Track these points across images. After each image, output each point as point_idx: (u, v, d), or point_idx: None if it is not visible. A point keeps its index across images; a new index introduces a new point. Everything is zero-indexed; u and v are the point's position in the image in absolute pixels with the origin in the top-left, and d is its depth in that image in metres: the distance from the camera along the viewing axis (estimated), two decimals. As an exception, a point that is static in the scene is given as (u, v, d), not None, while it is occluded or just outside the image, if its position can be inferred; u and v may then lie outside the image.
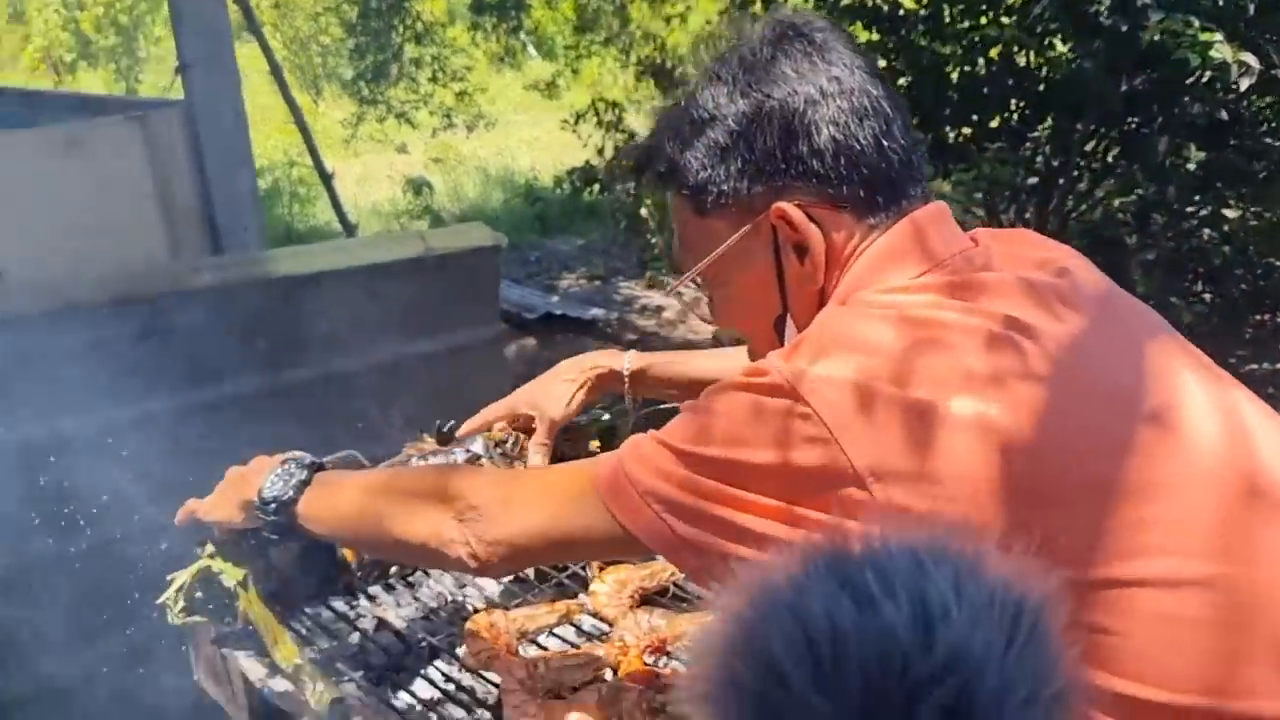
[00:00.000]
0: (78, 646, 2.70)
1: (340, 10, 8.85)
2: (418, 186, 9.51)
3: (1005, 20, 5.32)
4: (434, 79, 8.94)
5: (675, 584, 1.61)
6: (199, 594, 1.38)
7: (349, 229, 7.23)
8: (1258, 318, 6.45)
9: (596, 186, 7.72)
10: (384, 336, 3.86)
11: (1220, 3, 4.72)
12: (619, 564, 1.65)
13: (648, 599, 1.59)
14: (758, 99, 1.18)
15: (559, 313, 7.13)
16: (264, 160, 10.02)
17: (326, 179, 6.98)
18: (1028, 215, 6.23)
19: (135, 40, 23.13)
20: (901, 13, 5.58)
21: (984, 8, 5.39)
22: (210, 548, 1.43)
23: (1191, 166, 5.42)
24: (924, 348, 1.06)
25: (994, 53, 5.44)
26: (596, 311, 7.34)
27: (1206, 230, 5.45)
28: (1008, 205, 6.25)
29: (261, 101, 12.01)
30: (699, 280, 1.31)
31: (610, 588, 1.58)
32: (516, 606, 1.59)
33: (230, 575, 1.39)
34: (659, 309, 7.78)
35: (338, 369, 3.72)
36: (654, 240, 8.10)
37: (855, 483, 1.02)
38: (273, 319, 3.54)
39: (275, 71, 6.81)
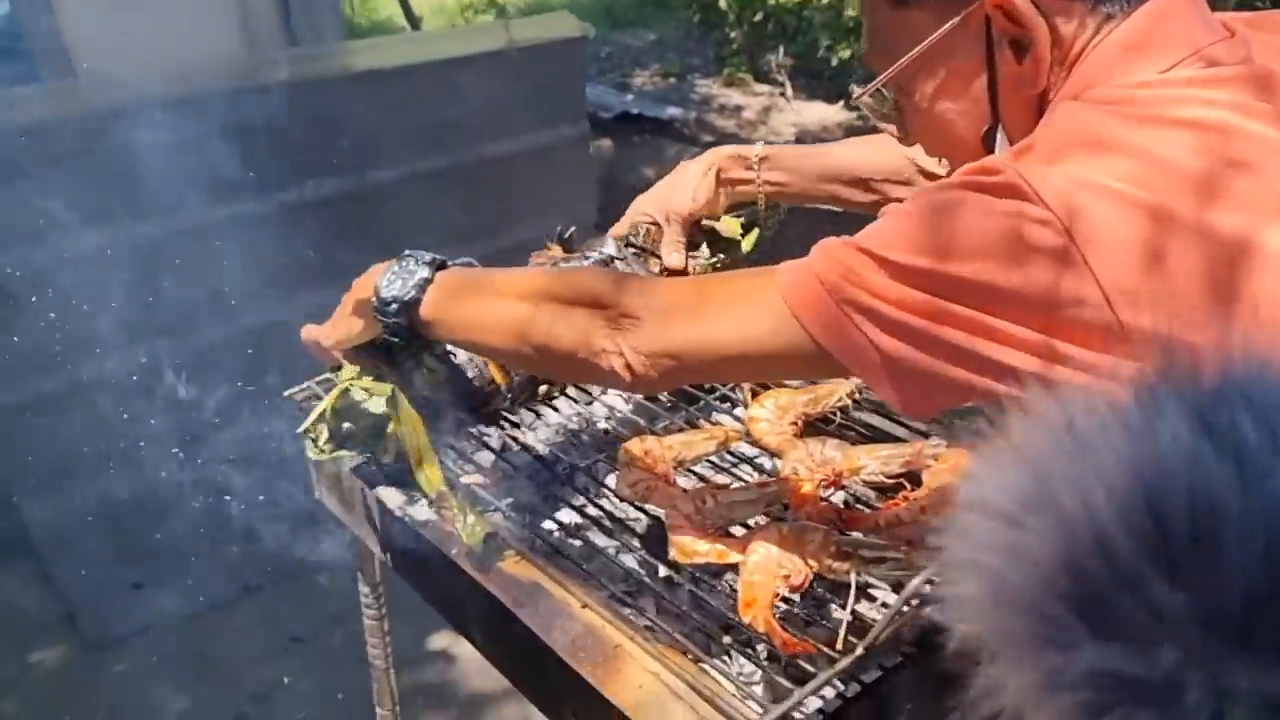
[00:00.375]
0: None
1: None
2: (481, -23, 9.05)
3: None
4: None
5: (841, 411, 1.46)
6: (345, 424, 1.25)
7: (414, 24, 6.89)
8: None
9: (673, -26, 7.25)
10: (467, 135, 3.67)
11: None
12: (777, 388, 1.50)
13: (812, 427, 1.45)
14: None
15: (635, 111, 6.82)
16: (320, -52, 9.58)
17: (391, -31, 6.60)
18: None
19: None
20: None
21: None
22: (349, 370, 1.29)
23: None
24: (1213, 159, 0.87)
25: None
26: (674, 110, 7.01)
27: None
28: None
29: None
30: (887, 88, 1.10)
31: (771, 413, 1.43)
32: (668, 432, 1.46)
33: (377, 394, 1.24)
34: (738, 108, 7.42)
35: (423, 169, 3.55)
36: (732, 35, 7.67)
37: (1097, 308, 0.85)
38: (353, 117, 3.36)
39: None
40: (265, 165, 3.01)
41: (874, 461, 1.32)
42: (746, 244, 1.68)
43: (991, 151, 1.05)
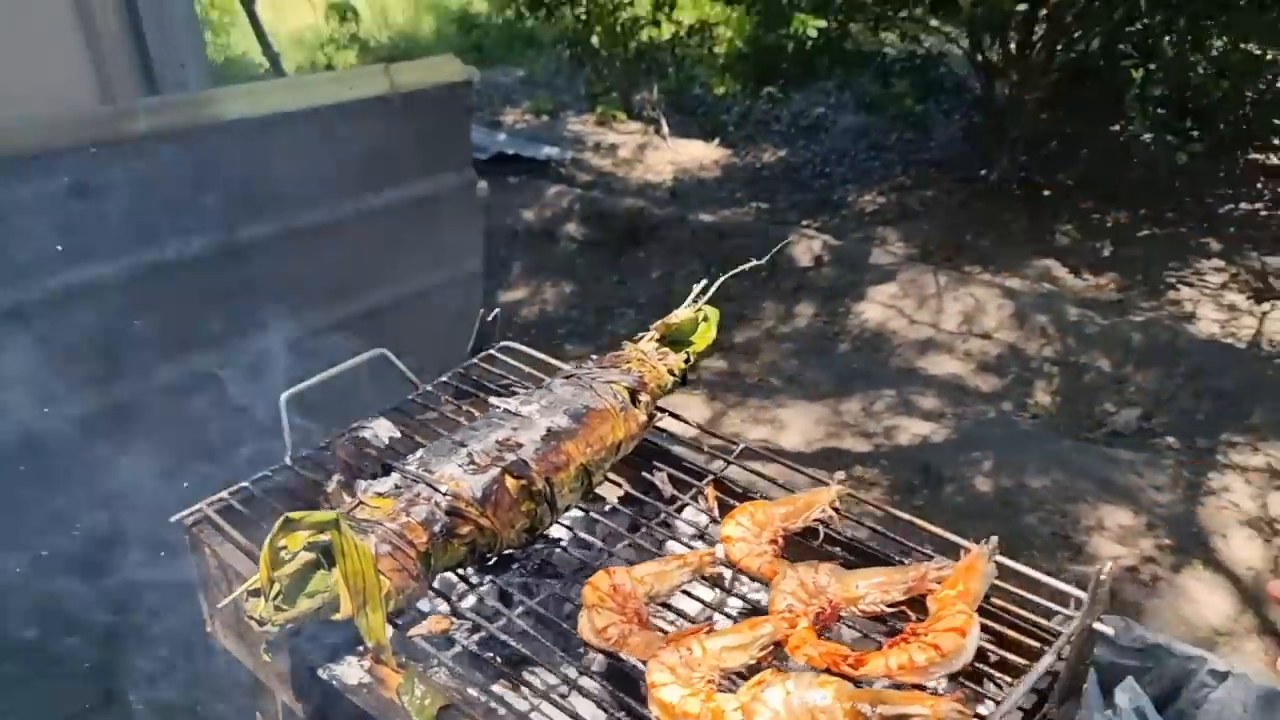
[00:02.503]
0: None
1: None
2: (342, 12, 8.75)
3: None
4: (355, -112, 8.11)
5: (823, 524, 1.31)
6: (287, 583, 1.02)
7: (275, 61, 6.56)
8: (1236, 155, 6.26)
9: (544, 10, 7.10)
10: (348, 186, 3.44)
11: None
12: (749, 500, 1.34)
13: (794, 544, 1.29)
14: None
15: (510, 152, 6.65)
16: (168, -19, 9.12)
17: (249, 4, 6.28)
18: (1010, 46, 5.88)
19: None
20: None
21: None
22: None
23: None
24: None
25: None
26: (551, 151, 6.87)
27: (1204, 64, 5.16)
28: (992, 41, 5.88)
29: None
30: None
31: (747, 530, 1.27)
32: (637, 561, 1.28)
33: (316, 522, 1.02)
34: (614, 147, 7.32)
35: (301, 224, 3.30)
36: (604, 71, 7.57)
37: None
38: (222, 169, 3.09)
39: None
40: (123, 224, 2.73)
41: (873, 589, 1.17)
42: (702, 339, 1.53)
43: None
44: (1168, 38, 5.05)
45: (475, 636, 1.20)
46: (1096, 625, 1.12)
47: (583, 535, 1.36)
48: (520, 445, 1.27)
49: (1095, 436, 4.17)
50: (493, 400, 1.39)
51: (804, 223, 6.07)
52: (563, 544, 1.35)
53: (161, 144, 2.89)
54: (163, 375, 2.84)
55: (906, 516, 1.32)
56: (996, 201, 6.05)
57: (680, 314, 1.55)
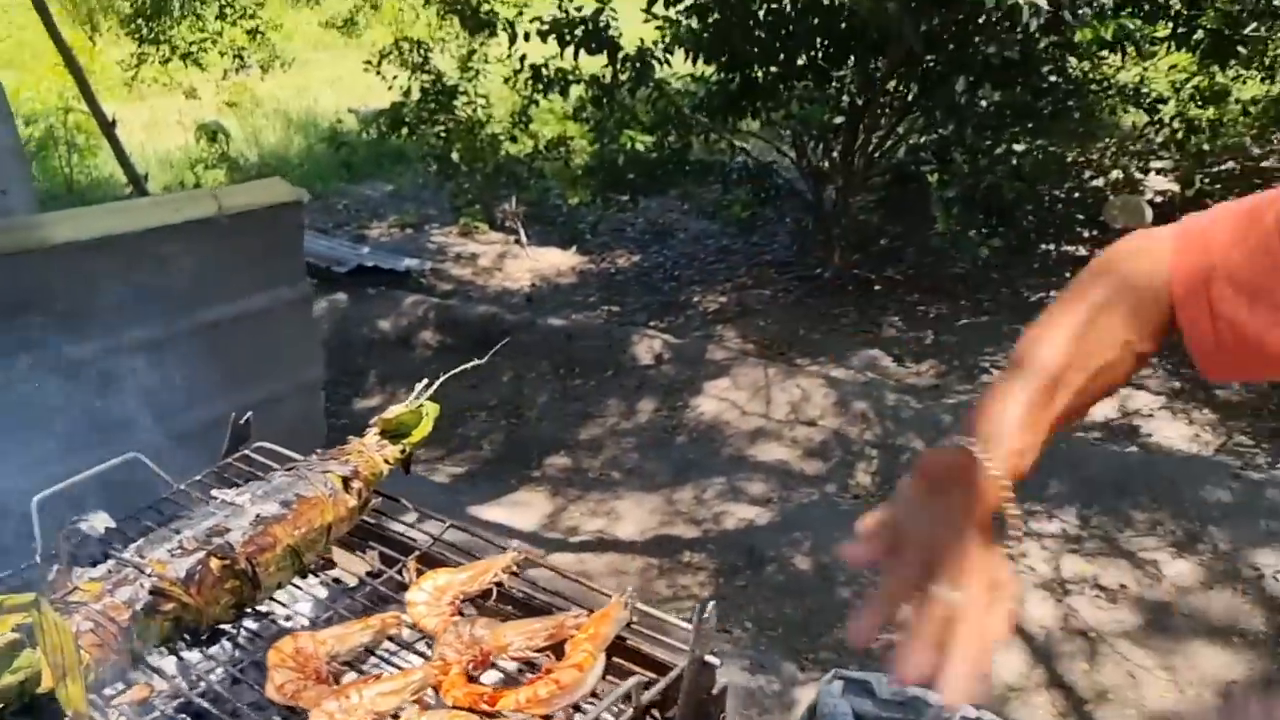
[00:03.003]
0: None
1: (113, -60, 8.15)
2: (212, 132, 8.96)
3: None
4: (222, 15, 8.38)
5: (497, 586, 1.52)
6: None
7: (137, 182, 6.73)
8: (1045, 248, 6.83)
9: (405, 130, 7.42)
10: (179, 303, 3.60)
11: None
12: (438, 568, 1.55)
13: (471, 605, 1.50)
14: None
15: (371, 264, 6.87)
16: (36, 105, 9.24)
17: (107, 127, 6.46)
18: (834, 154, 6.35)
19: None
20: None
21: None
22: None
23: (986, 104, 5.61)
24: None
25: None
26: (410, 262, 7.11)
27: (1000, 167, 5.68)
28: (816, 144, 6.35)
29: (31, 39, 11.03)
30: None
31: (429, 595, 1.48)
32: (326, 625, 1.47)
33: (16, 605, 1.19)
34: (474, 256, 7.60)
35: (130, 342, 3.45)
36: (465, 185, 7.89)
37: None
38: (48, 291, 3.25)
39: (40, 8, 6.22)
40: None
41: (519, 638, 1.38)
42: (420, 432, 1.75)
43: None
44: (958, 146, 5.55)
45: (175, 702, 1.37)
46: (709, 658, 1.35)
47: (295, 608, 1.55)
48: (229, 530, 1.47)
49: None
50: (213, 492, 1.58)
51: (650, 323, 6.39)
52: (271, 617, 1.54)
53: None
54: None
55: (572, 576, 1.54)
56: (830, 297, 6.46)
57: (399, 409, 1.77)
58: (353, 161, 9.01)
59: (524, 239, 7.69)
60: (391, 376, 5.93)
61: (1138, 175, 7.16)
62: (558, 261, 7.57)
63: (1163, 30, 5.87)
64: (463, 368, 1.91)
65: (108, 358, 3.40)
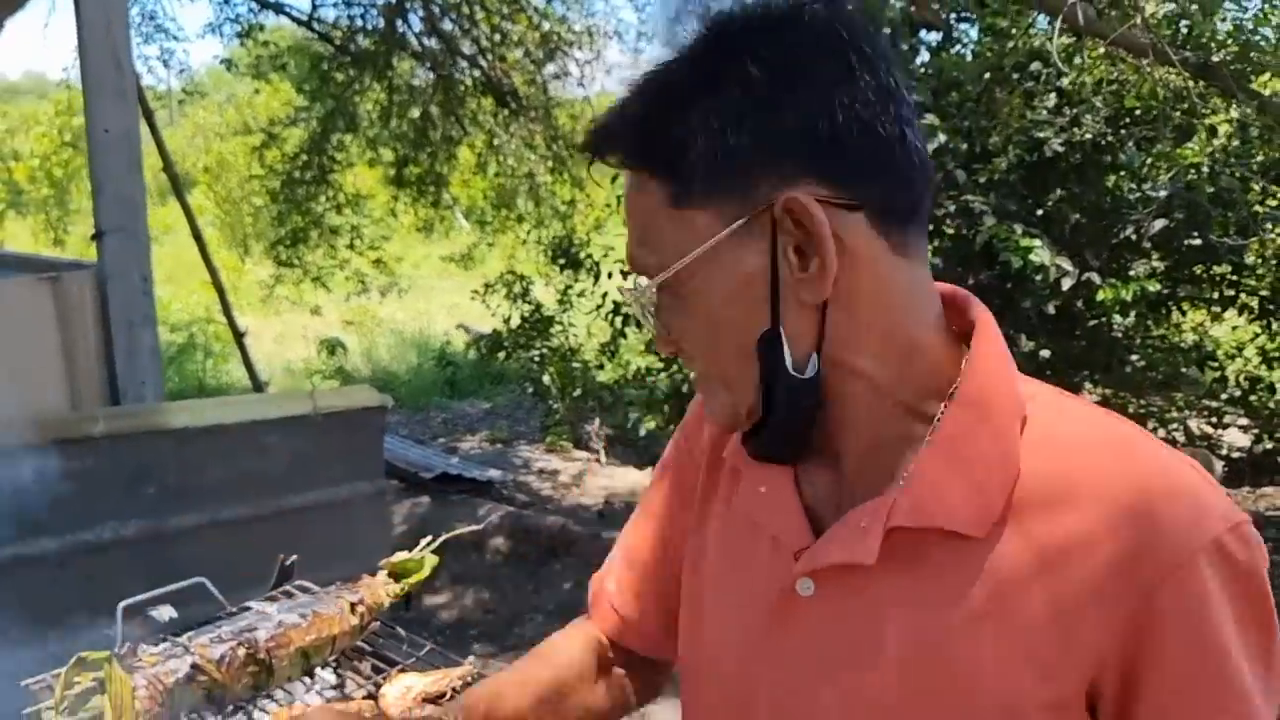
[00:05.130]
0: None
1: (266, 178, 9.33)
2: (331, 347, 9.86)
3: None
4: (351, 246, 9.41)
5: (455, 690, 1.90)
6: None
7: (258, 385, 7.51)
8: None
9: (503, 354, 8.13)
10: (270, 487, 4.14)
11: (1044, 214, 5.37)
12: (409, 669, 1.95)
13: (430, 703, 1.88)
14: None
15: (455, 472, 7.42)
16: (184, 315, 10.34)
17: (238, 336, 7.30)
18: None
19: (67, 193, 23.58)
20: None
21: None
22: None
23: (1031, 354, 5.98)
24: None
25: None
26: (493, 473, 7.64)
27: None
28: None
29: (189, 257, 12.39)
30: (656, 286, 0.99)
31: (398, 690, 1.87)
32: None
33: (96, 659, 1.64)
34: (555, 472, 8.11)
35: (224, 517, 3.99)
36: (555, 406, 8.49)
37: None
38: (160, 468, 3.82)
39: (196, 235, 7.20)
40: (70, 507, 3.41)
41: None
42: (419, 576, 2.17)
43: (770, 357, 0.96)
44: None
45: (196, 757, 1.78)
46: None
47: (298, 694, 1.96)
48: (256, 629, 1.90)
49: None
50: (249, 603, 2.03)
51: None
52: (279, 700, 1.95)
53: (110, 442, 3.65)
54: (85, 635, 3.43)
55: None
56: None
57: (404, 556, 2.20)
58: (456, 380, 9.76)
59: (603, 458, 8.19)
60: (461, 577, 6.35)
61: (1205, 429, 7.26)
62: (634, 480, 8.02)
63: (1209, 292, 6.18)
64: (458, 532, 2.33)
65: (205, 529, 3.94)
